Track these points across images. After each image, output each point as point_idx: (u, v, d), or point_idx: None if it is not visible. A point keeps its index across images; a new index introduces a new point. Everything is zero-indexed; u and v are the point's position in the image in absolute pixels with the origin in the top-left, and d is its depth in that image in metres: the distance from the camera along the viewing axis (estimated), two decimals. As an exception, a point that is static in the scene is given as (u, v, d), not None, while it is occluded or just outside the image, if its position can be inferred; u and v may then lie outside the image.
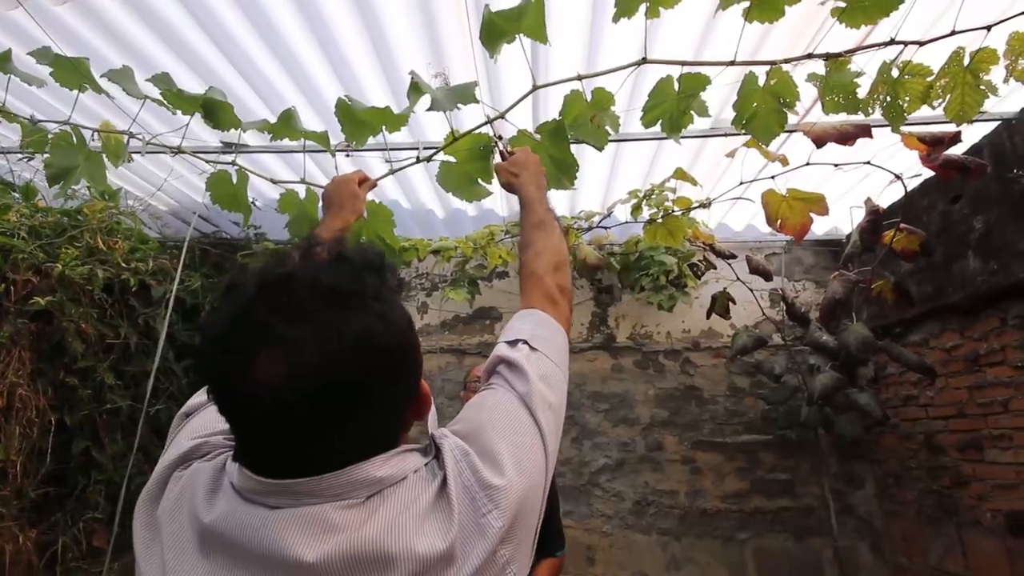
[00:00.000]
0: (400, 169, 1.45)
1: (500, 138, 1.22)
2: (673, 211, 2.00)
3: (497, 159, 1.23)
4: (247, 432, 0.52)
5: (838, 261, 2.82)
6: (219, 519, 0.50)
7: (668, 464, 3.02)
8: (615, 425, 3.10)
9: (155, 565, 0.52)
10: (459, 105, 1.22)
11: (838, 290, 1.82)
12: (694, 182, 1.86)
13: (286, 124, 1.40)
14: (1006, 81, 1.08)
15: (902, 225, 1.77)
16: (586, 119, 1.25)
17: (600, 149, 1.32)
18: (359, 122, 1.30)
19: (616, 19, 1.11)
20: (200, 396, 0.72)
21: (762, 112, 1.20)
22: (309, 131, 1.41)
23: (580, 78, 1.20)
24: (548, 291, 0.83)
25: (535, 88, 1.22)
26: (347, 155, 1.49)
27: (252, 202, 2.10)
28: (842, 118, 1.53)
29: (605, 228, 2.53)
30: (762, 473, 2.97)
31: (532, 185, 1.02)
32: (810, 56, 1.12)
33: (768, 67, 1.15)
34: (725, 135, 2.01)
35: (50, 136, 1.38)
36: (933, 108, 1.17)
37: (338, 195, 1.13)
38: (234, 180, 1.47)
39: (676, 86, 1.20)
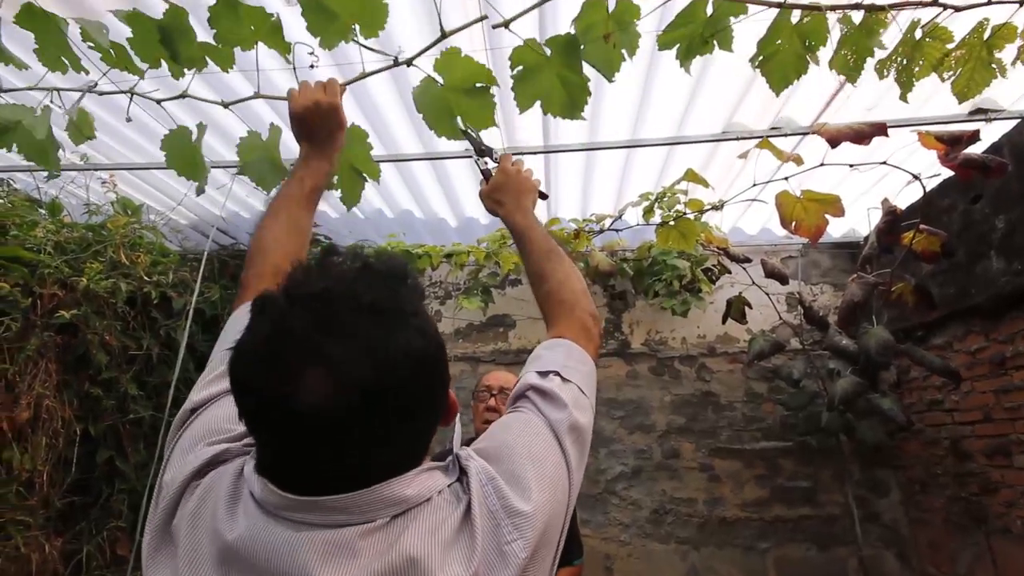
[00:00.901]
0: (372, 73, 1.16)
1: (484, 152, 1.07)
2: (685, 214, 1.99)
3: (482, 168, 1.08)
4: (282, 448, 0.50)
5: (856, 263, 2.78)
6: (242, 538, 0.49)
7: (686, 472, 2.98)
8: (631, 432, 3.07)
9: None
10: None
11: (857, 293, 1.79)
12: (706, 184, 1.86)
13: (231, 11, 1.08)
14: (1013, 64, 1.06)
15: (922, 226, 1.74)
16: (599, 35, 1.05)
17: (609, 79, 1.11)
18: (327, 13, 1.05)
19: None
20: (203, 391, 0.67)
21: (783, 51, 1.10)
22: (255, 8, 1.10)
23: None
24: (581, 321, 0.81)
25: None
26: (312, 67, 1.25)
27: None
28: (857, 118, 1.52)
29: (617, 231, 2.53)
30: (782, 480, 2.92)
31: (518, 213, 0.95)
32: (856, 6, 1.06)
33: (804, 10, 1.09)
34: (737, 138, 2.00)
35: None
36: (943, 80, 1.14)
37: (318, 123, 0.94)
38: (194, 137, 1.23)
39: (710, 9, 1.08)
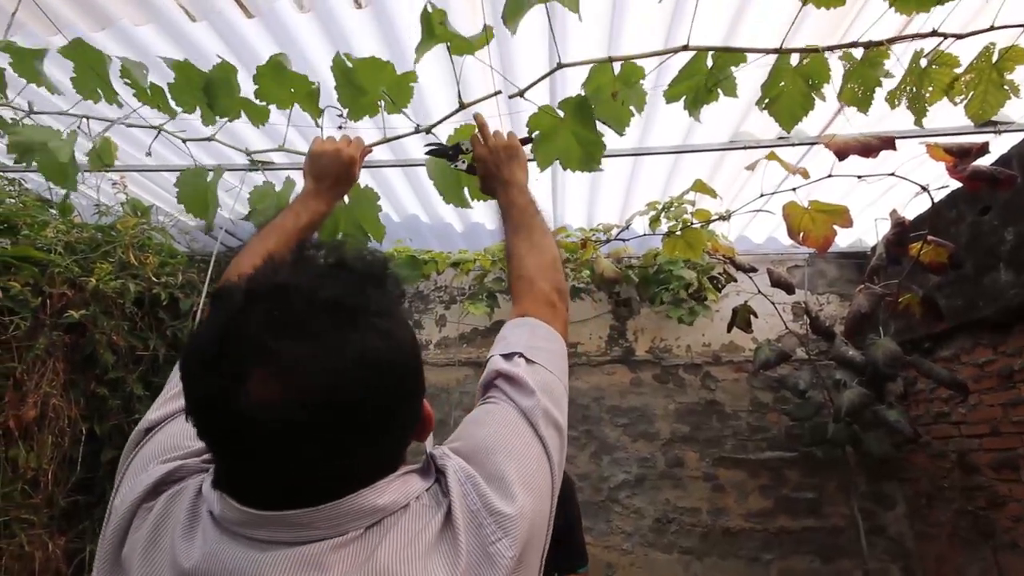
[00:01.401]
0: (397, 138, 1.24)
1: (455, 153, 1.08)
2: (692, 223, 1.99)
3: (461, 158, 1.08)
4: (235, 459, 0.46)
5: (863, 273, 2.76)
6: (200, 564, 0.45)
7: (689, 481, 2.96)
8: (634, 440, 3.06)
9: None
10: (469, 55, 1.08)
11: (864, 304, 1.78)
12: (713, 194, 1.86)
13: (276, 74, 1.17)
14: None
15: (930, 237, 1.73)
16: (608, 94, 1.12)
17: (621, 133, 1.18)
18: (356, 88, 1.15)
19: None
20: (160, 409, 0.62)
21: (788, 92, 1.13)
22: (298, 75, 1.20)
23: (611, 60, 1.10)
24: (543, 294, 0.76)
25: (560, 67, 1.12)
26: (340, 127, 1.35)
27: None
28: (865, 129, 1.52)
29: (623, 241, 2.53)
30: (787, 491, 2.89)
31: (500, 190, 0.92)
32: (853, 44, 1.09)
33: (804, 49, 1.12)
34: (745, 147, 2.00)
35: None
36: (955, 104, 1.14)
37: (331, 167, 0.95)
38: (210, 177, 1.30)
39: (710, 62, 1.13)
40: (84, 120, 1.31)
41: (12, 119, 1.33)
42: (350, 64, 1.12)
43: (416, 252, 2.91)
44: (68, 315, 2.13)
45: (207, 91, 1.22)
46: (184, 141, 1.37)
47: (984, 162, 1.51)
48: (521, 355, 0.66)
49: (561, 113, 1.14)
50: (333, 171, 0.96)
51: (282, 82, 1.19)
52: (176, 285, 2.48)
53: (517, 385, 0.63)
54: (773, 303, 2.63)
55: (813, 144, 1.90)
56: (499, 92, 1.19)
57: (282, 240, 0.86)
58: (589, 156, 1.17)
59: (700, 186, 1.80)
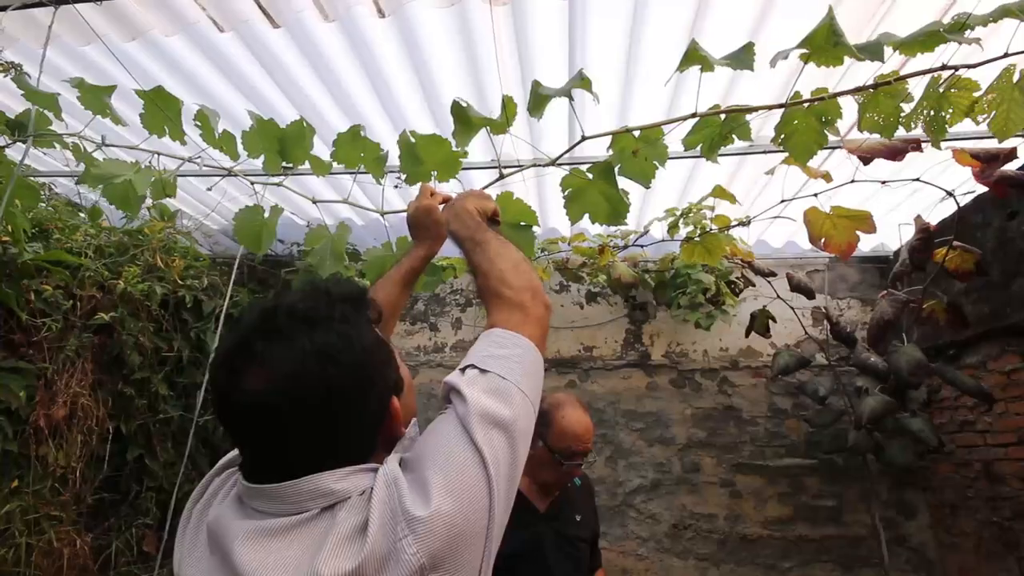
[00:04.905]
0: (445, 200, 1.45)
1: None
2: (711, 229, 1.98)
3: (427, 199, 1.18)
4: (236, 440, 0.60)
5: (885, 278, 2.72)
6: (213, 520, 0.59)
7: (706, 487, 2.94)
8: (650, 445, 3.04)
9: (176, 557, 0.63)
10: (505, 132, 1.24)
11: (887, 310, 1.76)
12: (733, 200, 1.85)
13: (353, 140, 1.37)
14: None
15: (955, 243, 1.71)
16: (629, 153, 1.24)
17: (647, 186, 1.29)
18: (416, 160, 1.31)
19: (681, 70, 1.13)
20: None
21: (802, 129, 1.17)
22: (371, 142, 1.39)
23: (628, 130, 1.23)
24: (510, 300, 0.76)
25: (584, 139, 1.25)
26: (396, 187, 1.54)
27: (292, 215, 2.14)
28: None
29: (641, 247, 2.52)
30: (806, 499, 2.86)
31: (459, 231, 0.94)
32: (862, 88, 1.10)
33: (814, 87, 1.14)
34: (764, 152, 1.99)
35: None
36: (977, 123, 1.14)
37: (421, 223, 1.10)
38: (267, 214, 1.42)
39: (722, 117, 1.21)
40: (154, 155, 1.44)
41: (74, 143, 1.43)
42: (413, 140, 1.31)
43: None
44: (97, 317, 2.19)
45: (282, 142, 1.40)
46: (252, 184, 1.50)
47: (1012, 167, 1.48)
48: (474, 366, 0.68)
49: (590, 176, 1.28)
50: (420, 225, 1.09)
51: (356, 147, 1.40)
52: (200, 288, 2.54)
53: (458, 396, 0.64)
54: (792, 308, 2.60)
55: (835, 148, 1.88)
56: (534, 164, 1.38)
57: (387, 285, 1.01)
58: (615, 211, 1.29)
59: (720, 192, 1.79)
